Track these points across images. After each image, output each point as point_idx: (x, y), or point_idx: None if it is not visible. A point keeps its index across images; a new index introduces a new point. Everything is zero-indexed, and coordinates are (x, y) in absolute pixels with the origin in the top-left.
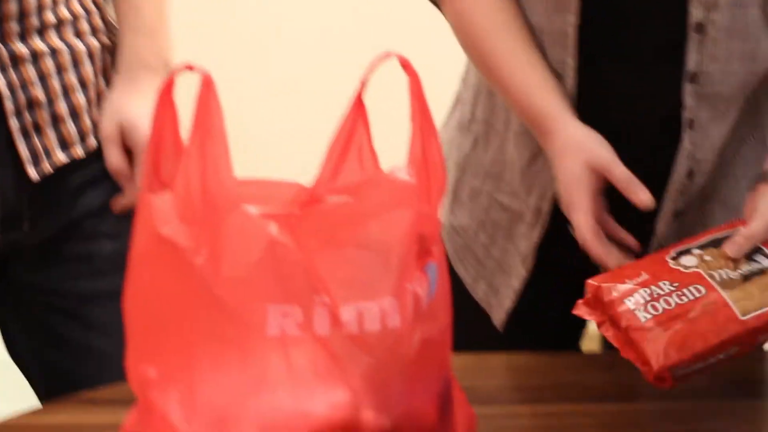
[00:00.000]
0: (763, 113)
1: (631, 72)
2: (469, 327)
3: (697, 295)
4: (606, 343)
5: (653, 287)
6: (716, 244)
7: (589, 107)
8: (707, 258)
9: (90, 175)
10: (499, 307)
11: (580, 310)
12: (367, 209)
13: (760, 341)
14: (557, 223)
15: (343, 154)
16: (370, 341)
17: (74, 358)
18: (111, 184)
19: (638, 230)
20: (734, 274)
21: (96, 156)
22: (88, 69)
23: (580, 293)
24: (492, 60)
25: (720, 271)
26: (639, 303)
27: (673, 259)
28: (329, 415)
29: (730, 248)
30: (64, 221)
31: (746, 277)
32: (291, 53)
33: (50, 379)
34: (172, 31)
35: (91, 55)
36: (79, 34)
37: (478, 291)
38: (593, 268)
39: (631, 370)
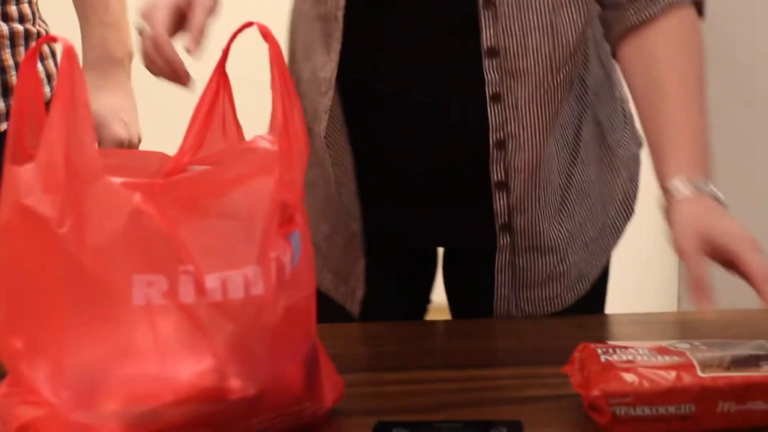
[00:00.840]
0: (592, 93)
1: (432, 47)
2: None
3: (668, 359)
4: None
5: (631, 349)
6: (723, 347)
7: (397, 79)
8: (702, 347)
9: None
10: (351, 296)
11: (567, 368)
12: (228, 178)
13: (720, 412)
14: (382, 202)
15: (205, 123)
16: (234, 309)
17: None
18: None
19: (479, 206)
20: (718, 361)
21: None
22: (7, 54)
23: (415, 270)
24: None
25: (706, 354)
26: (609, 353)
27: (671, 345)
28: (195, 383)
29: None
30: None
31: (728, 368)
32: None
33: None
34: None
35: (13, 41)
36: (6, 18)
37: (324, 282)
38: (423, 245)
39: (490, 339)
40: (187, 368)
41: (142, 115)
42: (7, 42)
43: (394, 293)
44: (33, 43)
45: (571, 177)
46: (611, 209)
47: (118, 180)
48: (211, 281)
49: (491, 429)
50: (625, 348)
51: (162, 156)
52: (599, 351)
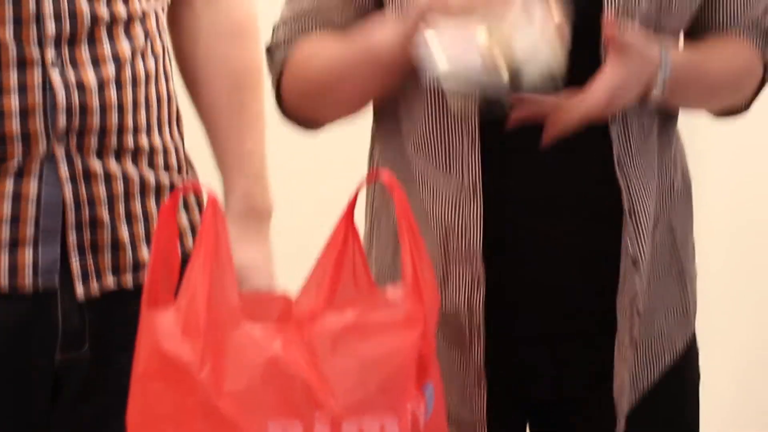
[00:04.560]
0: (672, 197)
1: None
2: None
3: None
4: None
5: None
6: None
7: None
8: None
9: None
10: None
11: None
12: (370, 327)
13: None
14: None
15: (336, 272)
16: None
17: None
18: None
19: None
20: None
21: None
22: (152, 203)
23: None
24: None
25: None
26: None
27: None
28: None
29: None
30: (120, 350)
31: None
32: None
33: None
34: None
35: (158, 191)
36: (153, 166)
37: None
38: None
39: None
40: None
41: None
42: (152, 192)
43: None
44: (166, 194)
45: None
46: (670, 318)
47: (257, 326)
48: (348, 428)
49: None
50: None
51: (285, 299)
52: None
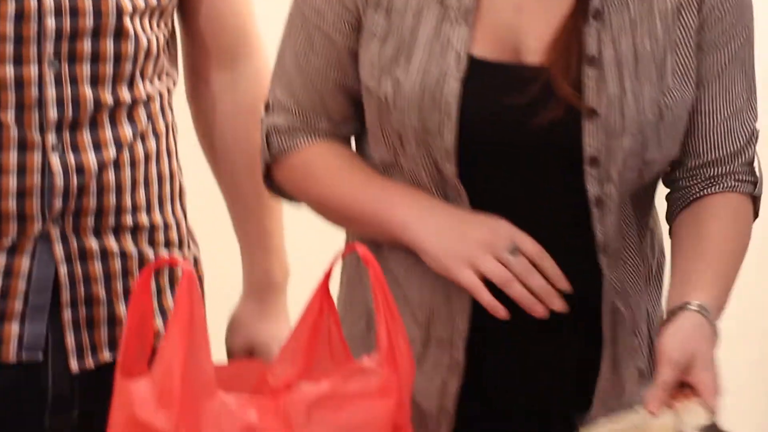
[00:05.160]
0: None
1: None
2: None
3: None
4: None
5: None
6: None
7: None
8: None
9: None
10: None
11: None
12: (342, 398)
13: None
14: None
15: (312, 342)
16: None
17: None
18: None
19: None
20: None
21: None
22: (152, 279)
23: None
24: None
25: None
26: None
27: None
28: None
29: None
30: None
31: None
32: None
33: None
34: None
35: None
36: (153, 243)
37: None
38: None
39: None
40: None
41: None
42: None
43: None
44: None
45: None
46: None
47: (232, 396)
48: None
49: None
50: None
51: (261, 368)
52: None
